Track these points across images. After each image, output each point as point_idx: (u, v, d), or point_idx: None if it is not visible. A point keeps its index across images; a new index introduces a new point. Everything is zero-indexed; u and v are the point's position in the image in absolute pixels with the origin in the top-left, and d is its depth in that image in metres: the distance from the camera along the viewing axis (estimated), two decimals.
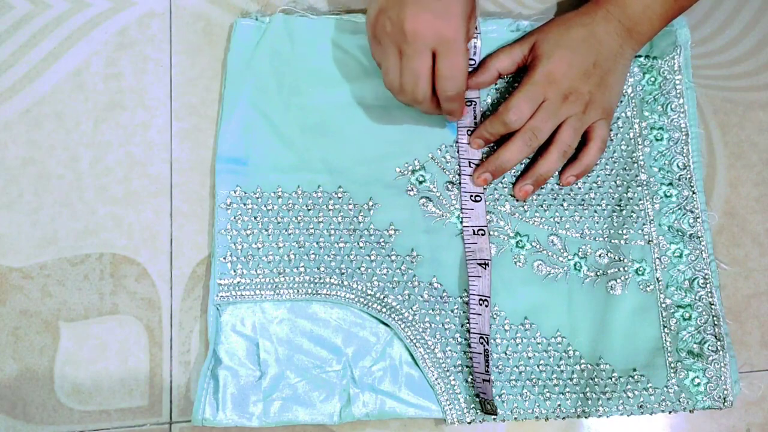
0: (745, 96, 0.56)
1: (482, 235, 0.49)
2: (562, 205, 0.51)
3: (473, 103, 0.51)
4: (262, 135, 0.50)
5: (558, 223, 0.50)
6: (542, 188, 0.51)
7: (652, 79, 0.53)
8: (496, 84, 0.52)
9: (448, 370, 0.47)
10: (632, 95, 0.53)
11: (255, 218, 0.48)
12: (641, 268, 0.50)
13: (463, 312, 0.48)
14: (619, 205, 0.51)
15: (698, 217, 0.51)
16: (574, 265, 0.50)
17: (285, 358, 0.46)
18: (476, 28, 0.50)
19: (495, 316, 0.48)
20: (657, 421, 0.49)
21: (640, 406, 0.47)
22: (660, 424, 0.49)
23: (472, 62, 0.51)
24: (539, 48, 0.48)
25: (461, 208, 0.50)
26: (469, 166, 0.50)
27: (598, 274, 0.50)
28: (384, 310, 0.47)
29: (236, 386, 0.45)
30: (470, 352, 0.47)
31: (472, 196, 0.50)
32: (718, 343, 0.49)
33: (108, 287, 0.48)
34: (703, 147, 0.54)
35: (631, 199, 0.51)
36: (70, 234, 0.48)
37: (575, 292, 0.49)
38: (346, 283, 0.48)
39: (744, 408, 0.50)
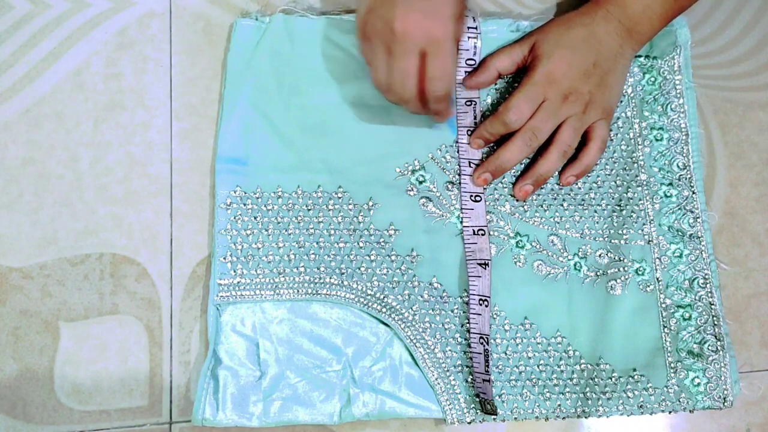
0: (745, 96, 0.56)
1: (482, 235, 0.49)
2: (562, 205, 0.51)
3: (473, 103, 0.51)
4: (262, 135, 0.50)
5: (558, 223, 0.50)
6: (542, 188, 0.51)
7: (652, 79, 0.53)
8: (496, 84, 0.52)
9: (448, 370, 0.47)
10: (632, 95, 0.53)
11: (255, 218, 0.48)
12: (641, 268, 0.50)
13: (463, 312, 0.48)
14: (619, 205, 0.51)
15: (698, 217, 0.51)
16: (574, 265, 0.50)
17: (285, 358, 0.46)
18: (476, 28, 0.51)
19: (495, 316, 0.48)
20: (657, 421, 0.49)
21: (640, 406, 0.47)
22: (660, 424, 0.49)
23: (472, 62, 0.51)
24: (539, 48, 0.48)
25: (461, 208, 0.50)
26: (469, 166, 0.50)
27: (598, 274, 0.50)
28: (384, 310, 0.47)
29: (236, 386, 0.45)
30: (470, 352, 0.47)
31: (472, 196, 0.50)
32: (718, 343, 0.49)
33: (108, 287, 0.48)
34: (703, 147, 0.54)
35: (631, 199, 0.51)
36: (70, 234, 0.48)
37: (575, 292, 0.49)
38: (346, 283, 0.48)
39: (744, 408, 0.50)
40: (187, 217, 0.49)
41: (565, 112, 0.48)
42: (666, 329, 0.49)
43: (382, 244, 0.49)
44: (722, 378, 0.48)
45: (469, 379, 0.47)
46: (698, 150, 0.53)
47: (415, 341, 0.47)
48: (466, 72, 0.51)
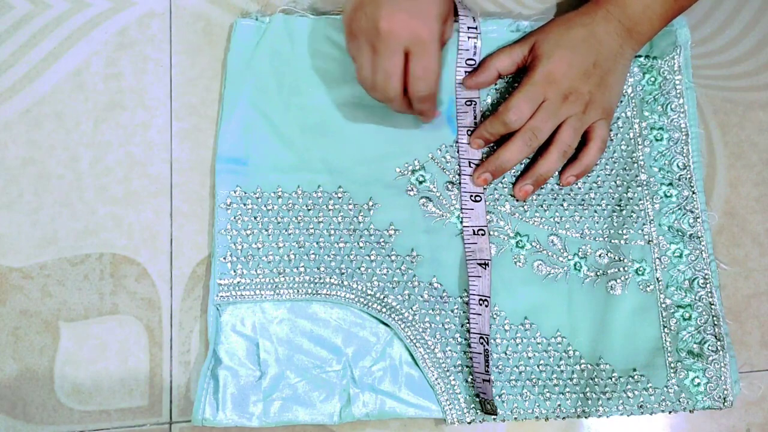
0: (745, 96, 0.56)
1: (482, 235, 0.49)
2: (562, 205, 0.51)
3: (473, 103, 0.51)
4: (262, 135, 0.50)
5: (558, 223, 0.50)
6: (542, 188, 0.51)
7: (652, 79, 0.53)
8: (496, 84, 0.52)
9: (448, 370, 0.47)
10: (632, 95, 0.53)
11: (255, 218, 0.48)
12: (641, 268, 0.50)
13: (463, 312, 0.48)
14: (619, 205, 0.51)
15: (698, 217, 0.51)
16: (574, 265, 0.50)
17: (285, 358, 0.46)
18: (476, 28, 0.51)
19: (495, 316, 0.48)
20: (657, 421, 0.49)
21: (640, 406, 0.47)
22: (660, 424, 0.49)
23: (472, 62, 0.51)
24: (539, 48, 0.48)
25: (461, 208, 0.50)
26: (469, 166, 0.50)
27: (598, 274, 0.50)
28: (384, 310, 0.47)
29: (236, 386, 0.45)
30: (470, 352, 0.47)
31: (472, 196, 0.50)
32: (718, 343, 0.49)
33: (108, 287, 0.48)
34: (703, 147, 0.54)
35: (631, 199, 0.51)
36: (70, 234, 0.48)
37: (575, 292, 0.49)
38: (346, 283, 0.48)
39: (744, 408, 0.50)
40: (187, 217, 0.50)
41: (565, 112, 0.48)
42: (666, 329, 0.49)
43: (382, 244, 0.49)
44: (722, 378, 0.48)
45: (469, 379, 0.47)
46: (698, 150, 0.53)
47: (415, 341, 0.47)
48: (466, 72, 0.51)
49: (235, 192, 0.49)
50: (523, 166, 0.51)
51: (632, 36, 0.49)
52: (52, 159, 0.50)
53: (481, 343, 0.46)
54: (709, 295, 0.50)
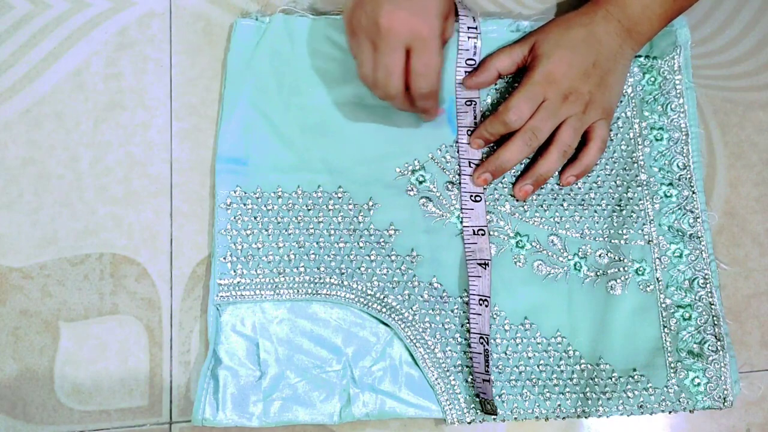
0: (745, 96, 0.56)
1: (482, 235, 0.49)
2: (562, 205, 0.51)
3: (473, 103, 0.51)
4: (262, 135, 0.50)
5: (558, 223, 0.50)
6: (542, 188, 0.51)
7: (652, 79, 0.53)
8: (496, 84, 0.52)
9: (448, 370, 0.47)
10: (632, 95, 0.53)
11: (255, 218, 0.48)
12: (641, 268, 0.50)
13: (463, 312, 0.48)
14: (619, 205, 0.51)
15: (698, 217, 0.51)
16: (574, 265, 0.50)
17: (285, 358, 0.46)
18: (476, 28, 0.51)
19: (495, 316, 0.48)
20: (657, 421, 0.49)
21: (640, 406, 0.47)
22: (660, 424, 0.49)
23: (472, 62, 0.51)
24: (539, 48, 0.48)
25: (461, 208, 0.50)
26: (469, 166, 0.50)
27: (598, 274, 0.50)
28: (384, 310, 0.47)
29: (236, 386, 0.45)
30: (470, 352, 0.47)
31: (472, 196, 0.50)
32: (718, 343, 0.49)
33: (108, 287, 0.48)
34: (703, 147, 0.54)
35: (631, 199, 0.51)
36: (70, 234, 0.48)
37: (575, 292, 0.49)
38: (346, 283, 0.48)
39: (744, 408, 0.50)
40: (187, 217, 0.50)
41: (565, 112, 0.48)
42: (666, 329, 0.49)
43: (382, 244, 0.49)
44: (722, 378, 0.48)
45: (469, 379, 0.47)
46: (698, 150, 0.53)
47: (415, 341, 0.47)
48: (466, 72, 0.51)
49: (235, 192, 0.49)
50: (523, 166, 0.51)
51: (632, 36, 0.49)
52: (52, 159, 0.50)
53: (481, 343, 0.46)
54: (709, 295, 0.50)
